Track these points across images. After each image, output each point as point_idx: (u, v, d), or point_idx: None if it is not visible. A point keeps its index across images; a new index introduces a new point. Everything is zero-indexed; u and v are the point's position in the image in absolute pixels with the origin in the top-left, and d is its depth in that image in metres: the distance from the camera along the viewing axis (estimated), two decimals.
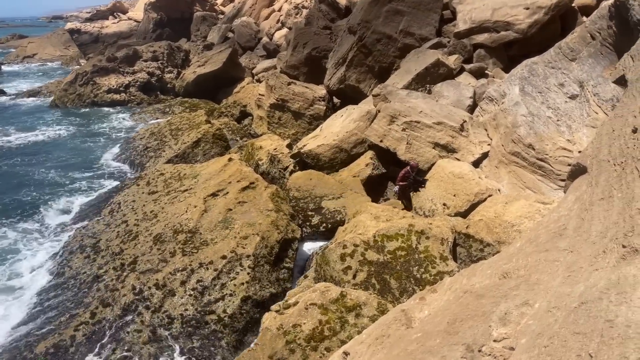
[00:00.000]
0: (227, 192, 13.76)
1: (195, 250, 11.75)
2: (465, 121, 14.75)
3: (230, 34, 45.23)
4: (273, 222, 12.38)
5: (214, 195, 13.82)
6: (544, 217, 6.48)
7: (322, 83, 23.35)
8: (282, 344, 8.40)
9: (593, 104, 11.74)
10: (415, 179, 13.33)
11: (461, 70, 18.73)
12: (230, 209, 13.01)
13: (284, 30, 39.29)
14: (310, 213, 14.30)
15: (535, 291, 4.47)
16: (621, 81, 8.79)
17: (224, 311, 10.31)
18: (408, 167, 13.31)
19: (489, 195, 12.22)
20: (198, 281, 10.88)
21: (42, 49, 67.37)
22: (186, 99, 31.85)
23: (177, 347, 9.76)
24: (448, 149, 14.39)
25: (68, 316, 10.61)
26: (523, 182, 12.63)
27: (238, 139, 23.34)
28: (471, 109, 16.32)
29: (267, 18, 45.11)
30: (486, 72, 18.76)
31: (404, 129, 14.82)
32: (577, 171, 5.87)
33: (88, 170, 21.74)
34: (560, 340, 3.48)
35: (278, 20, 42.40)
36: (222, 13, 56.75)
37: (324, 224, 13.96)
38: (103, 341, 9.91)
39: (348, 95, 21.52)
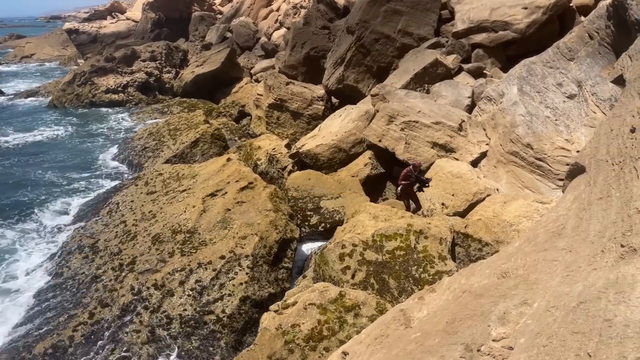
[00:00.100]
0: (226, 192, 13.75)
1: (194, 251, 11.74)
2: (463, 121, 14.76)
3: (228, 34, 45.21)
4: (272, 222, 12.38)
5: (212, 195, 13.81)
6: (543, 216, 6.48)
7: (320, 83, 23.35)
8: (280, 344, 8.40)
9: (591, 104, 11.76)
10: (419, 178, 13.15)
11: (459, 70, 18.74)
12: (229, 209, 13.00)
13: (282, 30, 39.29)
14: (309, 213, 14.30)
15: (534, 291, 4.48)
16: (619, 81, 8.80)
17: (223, 311, 10.30)
18: (410, 167, 13.14)
19: (488, 195, 12.23)
20: (197, 281, 10.87)
21: (40, 49, 67.28)
22: (184, 99, 31.81)
23: (175, 348, 9.75)
24: (446, 149, 14.40)
25: (66, 317, 10.59)
26: (521, 181, 12.64)
27: (236, 139, 23.32)
28: (469, 108, 16.34)
29: (265, 18, 45.09)
30: (484, 71, 18.78)
31: (402, 129, 14.83)
32: (576, 171, 5.88)
33: (86, 170, 21.70)
34: (559, 339, 3.48)
35: (276, 20, 42.39)
36: (220, 13, 56.71)
37: (323, 224, 13.96)
38: (102, 341, 9.90)
39: (346, 95, 21.52)
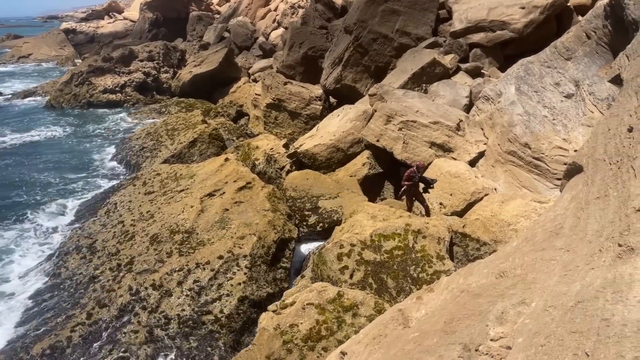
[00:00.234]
0: (224, 192, 13.73)
1: (192, 251, 11.73)
2: (461, 120, 14.77)
3: (226, 34, 45.16)
4: (270, 222, 12.37)
5: (210, 195, 13.79)
6: (540, 216, 6.49)
7: (318, 83, 23.35)
8: (279, 344, 8.39)
9: (589, 103, 11.78)
10: (423, 179, 12.92)
11: (457, 70, 18.76)
12: (227, 209, 12.99)
13: (280, 30, 39.27)
14: (307, 213, 14.29)
15: (532, 290, 4.48)
16: (617, 80, 8.82)
17: (221, 311, 10.29)
18: (414, 167, 12.87)
19: (486, 195, 12.24)
20: (195, 281, 10.86)
21: (37, 49, 67.15)
22: (182, 99, 31.77)
23: (174, 348, 9.73)
24: (444, 149, 14.41)
25: (64, 317, 10.57)
26: (519, 181, 12.66)
27: (234, 138, 23.31)
28: (467, 108, 16.35)
29: (263, 18, 45.07)
30: (482, 71, 18.80)
31: (400, 129, 14.83)
32: (573, 170, 5.89)
33: (84, 170, 21.66)
34: (556, 339, 3.48)
35: (274, 20, 42.37)
36: (218, 13, 56.64)
37: (321, 224, 13.95)
38: (100, 342, 9.88)
39: (344, 95, 21.52)
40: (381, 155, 15.60)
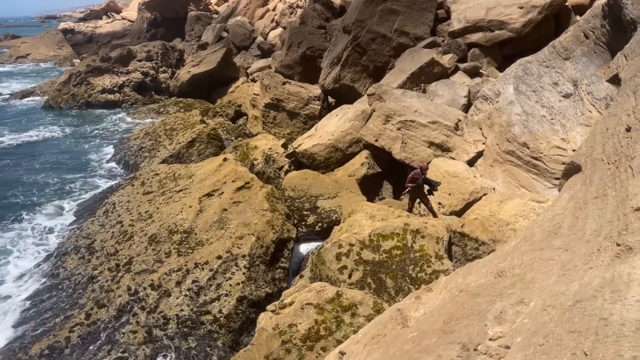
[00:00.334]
0: (222, 192, 13.72)
1: (191, 251, 11.72)
2: (460, 120, 14.78)
3: (224, 34, 45.13)
4: (268, 222, 12.36)
5: (209, 195, 13.78)
6: (539, 215, 6.50)
7: (317, 82, 23.34)
8: (278, 344, 8.39)
9: (587, 103, 11.80)
10: (427, 180, 12.81)
11: (456, 70, 18.77)
12: (226, 209, 12.98)
13: (279, 30, 39.26)
14: (305, 213, 14.29)
15: (531, 290, 4.49)
16: (615, 80, 8.84)
17: (220, 311, 10.29)
18: (418, 169, 12.77)
19: (484, 194, 12.24)
20: (193, 281, 10.85)
21: (35, 49, 66.99)
22: (181, 98, 31.74)
23: (172, 348, 9.72)
24: (443, 148, 14.42)
25: (63, 317, 10.55)
26: (518, 180, 12.67)
27: (233, 138, 23.30)
28: (466, 108, 16.37)
29: (261, 17, 45.05)
30: (480, 71, 18.81)
31: (399, 128, 14.84)
32: (572, 170, 5.89)
33: (82, 171, 21.62)
34: (555, 338, 3.49)
35: (272, 20, 42.36)
36: (217, 12, 56.62)
37: (320, 224, 13.95)
38: (98, 342, 9.87)
39: (343, 95, 21.52)
40: (380, 155, 15.61)
